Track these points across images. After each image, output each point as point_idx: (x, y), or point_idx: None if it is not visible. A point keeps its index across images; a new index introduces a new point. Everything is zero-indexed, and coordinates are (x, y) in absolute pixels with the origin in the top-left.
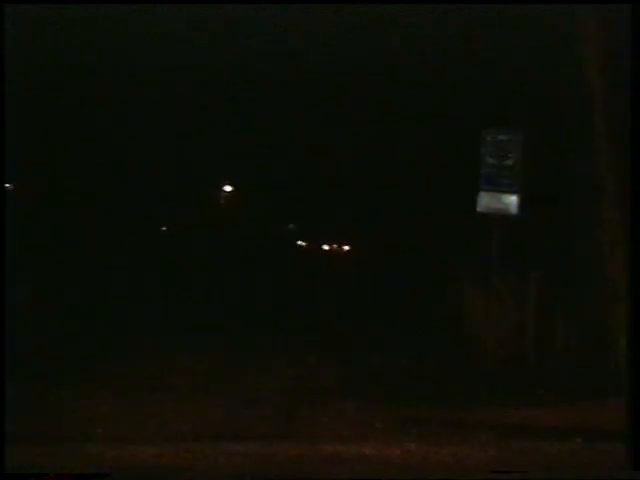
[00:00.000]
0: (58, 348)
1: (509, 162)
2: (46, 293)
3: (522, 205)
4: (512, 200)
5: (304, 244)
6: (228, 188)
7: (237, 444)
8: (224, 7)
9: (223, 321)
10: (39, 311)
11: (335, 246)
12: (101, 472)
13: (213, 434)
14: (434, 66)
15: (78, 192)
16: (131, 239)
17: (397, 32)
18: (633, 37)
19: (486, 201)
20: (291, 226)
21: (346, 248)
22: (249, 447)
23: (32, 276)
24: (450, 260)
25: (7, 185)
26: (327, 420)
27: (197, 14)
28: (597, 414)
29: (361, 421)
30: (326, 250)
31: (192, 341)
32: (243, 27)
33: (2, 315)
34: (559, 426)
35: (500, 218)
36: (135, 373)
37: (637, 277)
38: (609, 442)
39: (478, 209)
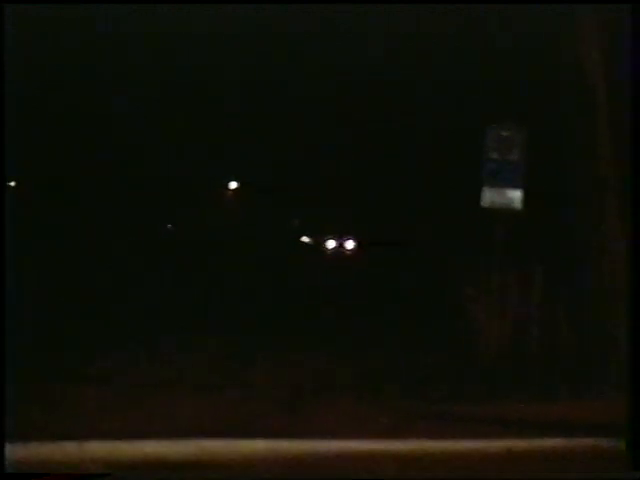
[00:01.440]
0: (58, 347)
1: (513, 157)
2: (46, 290)
3: (525, 200)
4: (516, 195)
5: (308, 240)
6: (233, 185)
7: (242, 441)
8: (224, 7)
9: (227, 318)
10: (39, 310)
11: (338, 242)
12: (102, 472)
13: (217, 431)
14: (436, 64)
15: (79, 190)
16: (134, 236)
17: (397, 31)
18: (633, 37)
19: (490, 196)
20: (296, 222)
21: (349, 244)
22: (254, 444)
23: (32, 275)
24: (452, 255)
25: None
26: (332, 416)
27: (197, 14)
28: (598, 410)
29: (365, 417)
30: (329, 246)
31: (192, 336)
32: (245, 26)
33: (2, 315)
34: (560, 422)
35: (504, 213)
36: (136, 370)
37: (637, 275)
38: (609, 438)
39: (482, 204)
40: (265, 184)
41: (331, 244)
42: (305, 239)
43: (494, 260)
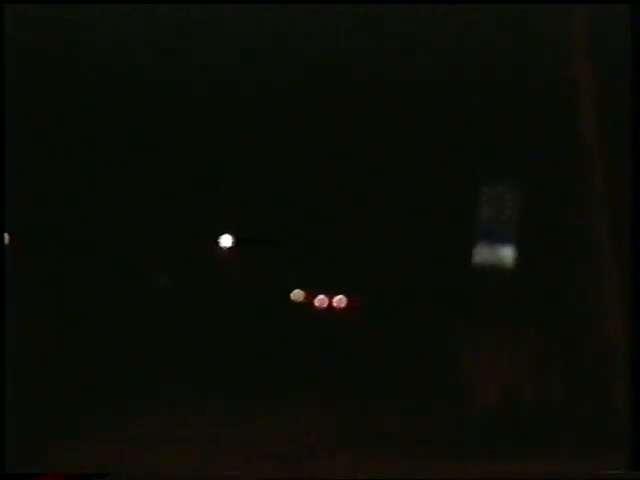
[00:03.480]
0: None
1: (505, 214)
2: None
3: (518, 257)
4: (508, 252)
5: (302, 293)
6: (227, 240)
7: None
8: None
9: (222, 372)
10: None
11: (331, 296)
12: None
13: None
14: (432, 119)
15: (74, 237)
16: (126, 289)
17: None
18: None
19: (482, 253)
20: (289, 277)
21: (341, 298)
22: None
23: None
24: (446, 312)
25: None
26: (323, 469)
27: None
28: (596, 466)
29: (358, 472)
30: (323, 300)
31: (191, 391)
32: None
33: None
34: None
35: (496, 270)
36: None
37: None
38: None
39: (474, 261)
40: (258, 238)
41: (321, 300)
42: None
43: (488, 318)
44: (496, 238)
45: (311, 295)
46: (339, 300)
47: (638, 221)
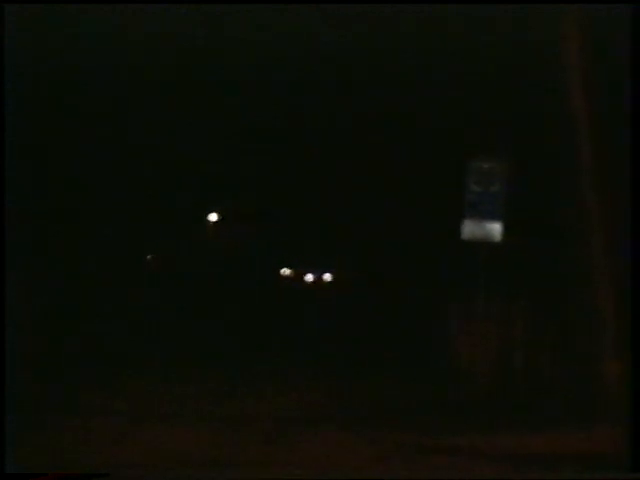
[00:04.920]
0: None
1: (493, 189)
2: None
3: (507, 232)
4: (496, 227)
5: (289, 272)
6: (214, 217)
7: (225, 470)
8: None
9: (208, 349)
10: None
11: (319, 275)
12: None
13: (202, 460)
14: (421, 94)
15: (62, 211)
16: (116, 267)
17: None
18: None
19: (470, 228)
20: (276, 255)
21: (329, 276)
22: (237, 474)
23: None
24: (436, 288)
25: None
26: (315, 447)
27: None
28: (585, 440)
29: (349, 448)
30: (310, 279)
31: (177, 369)
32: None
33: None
34: (547, 452)
35: (484, 245)
36: (124, 400)
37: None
38: (596, 468)
39: (462, 236)
40: (246, 215)
41: (309, 277)
42: (285, 271)
43: (477, 293)
44: (482, 212)
45: (299, 272)
46: (328, 277)
47: (636, 197)
